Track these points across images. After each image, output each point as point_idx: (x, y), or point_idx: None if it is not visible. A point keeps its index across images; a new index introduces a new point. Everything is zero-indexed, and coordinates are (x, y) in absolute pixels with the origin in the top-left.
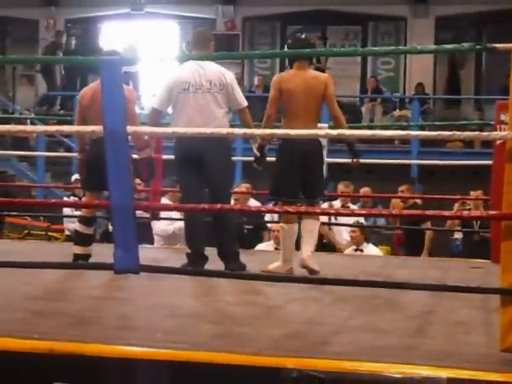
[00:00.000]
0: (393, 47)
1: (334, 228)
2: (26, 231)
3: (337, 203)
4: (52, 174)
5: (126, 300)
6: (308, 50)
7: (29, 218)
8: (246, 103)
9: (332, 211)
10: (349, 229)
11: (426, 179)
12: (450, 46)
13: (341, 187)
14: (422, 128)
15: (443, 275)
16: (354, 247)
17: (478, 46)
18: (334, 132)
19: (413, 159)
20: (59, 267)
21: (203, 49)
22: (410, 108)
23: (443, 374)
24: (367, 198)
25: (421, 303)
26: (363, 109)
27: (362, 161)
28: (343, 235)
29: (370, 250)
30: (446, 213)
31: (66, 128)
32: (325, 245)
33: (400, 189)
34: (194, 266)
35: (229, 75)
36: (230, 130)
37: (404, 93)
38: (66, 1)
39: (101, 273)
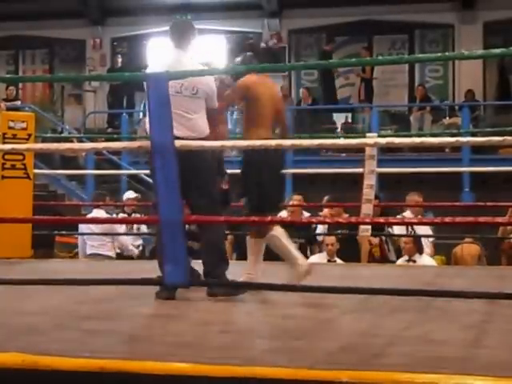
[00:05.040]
0: (438, 54)
1: None
2: (76, 250)
3: (408, 214)
4: None
5: (178, 317)
6: (354, 59)
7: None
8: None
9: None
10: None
11: (478, 187)
12: (497, 51)
13: (414, 197)
14: (473, 135)
15: (499, 284)
16: (407, 258)
17: None
18: (383, 140)
19: (464, 167)
20: (109, 283)
21: (181, 43)
22: (460, 115)
23: None
24: (417, 207)
25: (477, 312)
26: (412, 118)
27: (412, 170)
28: None
29: (424, 260)
30: (499, 219)
31: (112, 144)
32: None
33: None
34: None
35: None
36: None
37: (453, 100)
38: (112, 20)
39: (153, 289)
